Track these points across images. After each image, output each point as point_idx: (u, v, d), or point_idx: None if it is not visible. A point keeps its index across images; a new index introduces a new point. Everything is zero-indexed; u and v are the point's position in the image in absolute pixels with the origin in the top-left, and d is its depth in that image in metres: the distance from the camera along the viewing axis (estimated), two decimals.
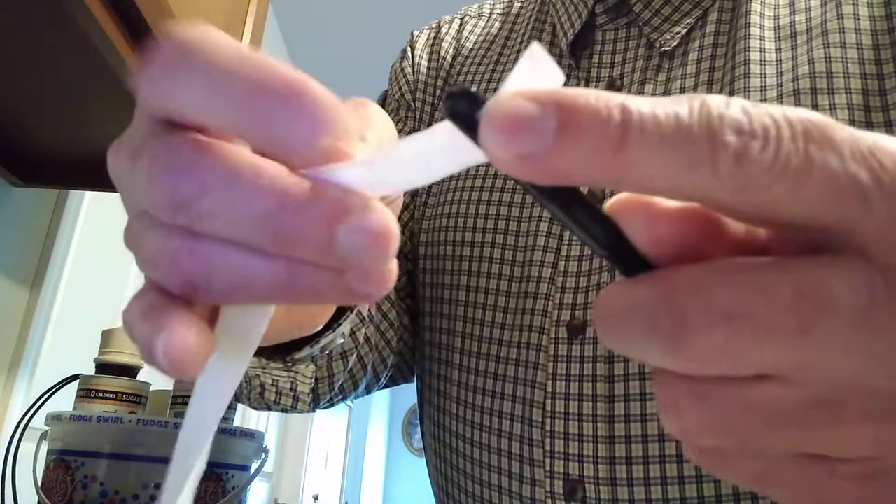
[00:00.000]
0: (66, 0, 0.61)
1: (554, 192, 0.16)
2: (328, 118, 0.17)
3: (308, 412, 0.62)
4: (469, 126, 0.15)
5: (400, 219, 0.61)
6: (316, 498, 3.73)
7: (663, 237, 0.17)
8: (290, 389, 0.52)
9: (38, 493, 0.72)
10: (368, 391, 0.66)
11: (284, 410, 0.61)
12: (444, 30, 0.67)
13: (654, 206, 0.17)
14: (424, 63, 0.65)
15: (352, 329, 0.49)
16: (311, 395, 0.61)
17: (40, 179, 1.03)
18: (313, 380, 0.54)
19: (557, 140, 0.14)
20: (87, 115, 0.86)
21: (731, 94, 0.47)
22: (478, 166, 0.56)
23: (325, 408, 0.65)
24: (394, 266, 0.18)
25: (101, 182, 1.02)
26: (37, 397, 0.82)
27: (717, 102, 0.15)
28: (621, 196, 0.17)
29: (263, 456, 0.77)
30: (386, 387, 0.67)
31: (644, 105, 0.15)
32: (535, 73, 0.15)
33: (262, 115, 0.17)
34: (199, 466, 0.20)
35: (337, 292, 0.18)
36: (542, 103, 0.14)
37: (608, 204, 0.17)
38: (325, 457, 4.15)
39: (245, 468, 0.76)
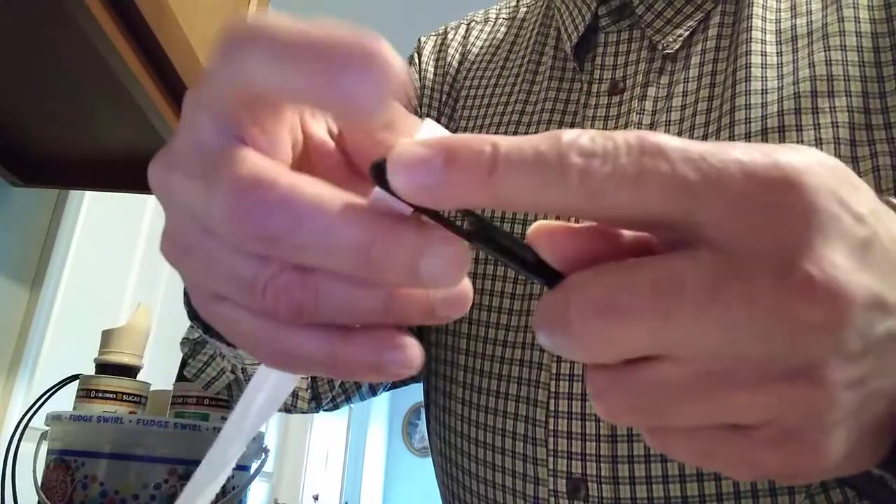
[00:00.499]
0: (66, 0, 0.61)
1: (481, 234, 0.20)
2: (393, 78, 0.19)
3: (312, 412, 0.62)
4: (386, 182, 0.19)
5: None
6: (316, 498, 3.73)
7: (567, 252, 0.20)
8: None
9: (38, 493, 0.72)
10: (374, 392, 0.66)
11: (287, 411, 0.61)
12: (450, 36, 0.68)
13: (557, 230, 0.21)
14: (431, 70, 0.66)
15: None
16: (310, 392, 0.61)
17: (40, 179, 1.03)
18: (309, 376, 0.54)
19: (444, 173, 0.18)
20: (87, 115, 0.86)
21: (733, 97, 0.47)
22: None
23: (330, 409, 0.65)
24: (469, 291, 0.22)
25: (101, 182, 1.02)
26: (37, 397, 0.82)
27: (569, 134, 0.19)
28: (534, 225, 0.21)
29: (263, 456, 0.77)
30: (393, 387, 0.67)
31: (511, 141, 0.19)
32: (432, 134, 0.20)
33: (332, 77, 0.18)
34: (236, 455, 0.24)
35: (423, 315, 0.22)
36: (431, 147, 0.19)
37: (527, 232, 0.21)
38: (325, 457, 4.15)
39: (245, 468, 0.76)
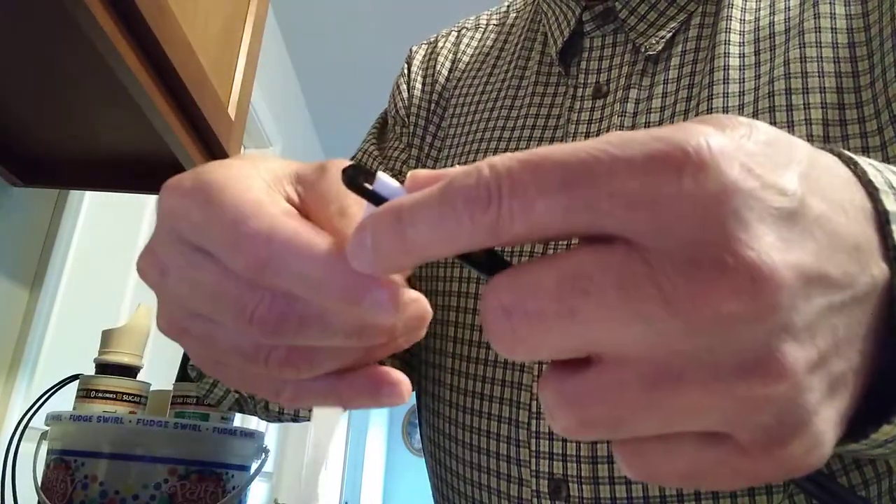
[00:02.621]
0: (66, 0, 0.61)
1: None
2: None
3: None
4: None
5: None
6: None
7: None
8: None
9: (38, 493, 0.72)
10: None
11: (294, 420, 0.61)
12: (440, 44, 0.68)
13: None
14: (420, 80, 0.67)
15: None
16: None
17: (40, 179, 1.03)
18: None
19: (373, 251, 0.21)
20: (87, 115, 0.86)
21: (709, 98, 0.48)
22: None
23: None
24: (425, 312, 0.25)
25: (101, 182, 1.02)
26: (37, 397, 0.82)
27: (458, 181, 0.19)
28: None
29: (263, 456, 0.77)
30: None
31: (413, 200, 0.20)
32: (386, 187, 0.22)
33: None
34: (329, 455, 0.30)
35: (392, 350, 0.27)
36: (358, 233, 0.21)
37: None
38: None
39: (245, 468, 0.76)
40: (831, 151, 0.23)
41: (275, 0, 2.43)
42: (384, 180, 0.22)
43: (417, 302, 0.24)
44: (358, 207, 0.25)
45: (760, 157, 0.18)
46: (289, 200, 0.26)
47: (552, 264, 0.19)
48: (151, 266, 0.27)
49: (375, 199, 0.22)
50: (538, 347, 0.19)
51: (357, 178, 0.22)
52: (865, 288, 0.20)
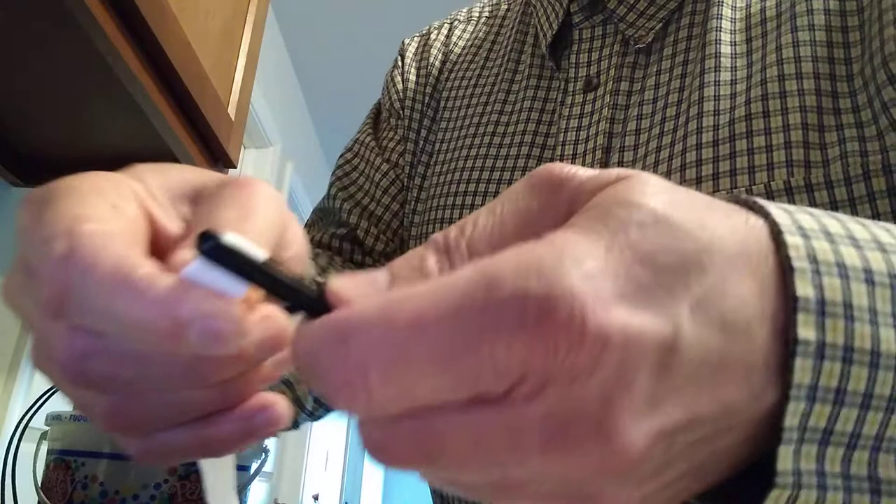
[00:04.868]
0: (66, 0, 0.61)
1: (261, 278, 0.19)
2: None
3: (319, 417, 0.62)
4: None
5: (389, 227, 0.63)
6: (316, 498, 3.73)
7: None
8: (292, 399, 0.53)
9: (38, 493, 0.72)
10: None
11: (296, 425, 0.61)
12: (433, 36, 0.68)
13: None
14: (413, 72, 0.66)
15: None
16: (311, 393, 0.61)
17: (40, 179, 1.02)
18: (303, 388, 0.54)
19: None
20: (87, 115, 0.86)
21: (701, 87, 0.47)
22: (462, 172, 0.57)
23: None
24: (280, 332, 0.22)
25: None
26: (37, 397, 0.82)
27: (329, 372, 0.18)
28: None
29: (263, 456, 0.77)
30: None
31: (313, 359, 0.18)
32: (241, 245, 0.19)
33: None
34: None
35: (262, 380, 0.24)
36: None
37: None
38: (325, 457, 4.14)
39: (245, 468, 0.76)
40: (767, 216, 0.20)
41: (275, 0, 2.43)
42: (244, 248, 0.19)
43: (268, 319, 0.21)
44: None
45: (639, 297, 0.17)
46: (184, 219, 0.25)
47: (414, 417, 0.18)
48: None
49: (236, 267, 0.19)
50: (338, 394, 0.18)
51: (214, 246, 0.19)
52: (749, 415, 0.19)
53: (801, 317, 0.18)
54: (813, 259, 0.19)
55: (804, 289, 0.19)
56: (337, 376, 0.17)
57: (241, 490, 0.74)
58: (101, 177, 0.24)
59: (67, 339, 0.21)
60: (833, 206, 0.40)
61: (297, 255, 0.29)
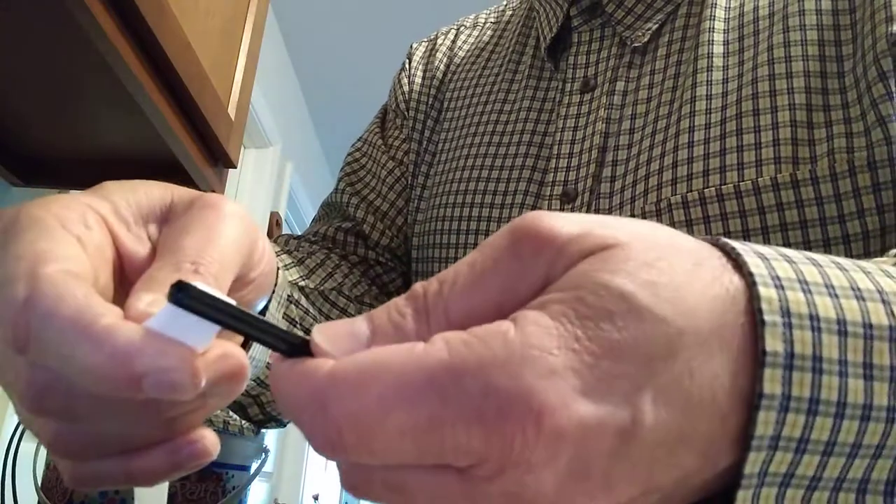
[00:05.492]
0: (66, 0, 0.61)
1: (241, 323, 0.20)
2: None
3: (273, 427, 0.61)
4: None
5: (394, 223, 0.64)
6: (316, 498, 3.73)
7: None
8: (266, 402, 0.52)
9: (38, 493, 0.72)
10: None
11: (283, 424, 0.60)
12: (439, 41, 0.70)
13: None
14: (419, 75, 0.68)
15: None
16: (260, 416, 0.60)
17: (40, 179, 1.03)
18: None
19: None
20: (87, 115, 0.86)
21: (693, 86, 0.48)
22: (462, 171, 0.58)
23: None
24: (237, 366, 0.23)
25: (101, 182, 1.02)
26: None
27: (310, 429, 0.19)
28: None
29: (263, 456, 0.77)
30: None
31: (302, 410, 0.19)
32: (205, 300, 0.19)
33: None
34: None
35: (204, 415, 0.24)
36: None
37: None
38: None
39: (245, 468, 0.76)
40: (741, 270, 0.20)
41: (275, 0, 2.43)
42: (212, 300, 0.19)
43: (224, 359, 0.21)
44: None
45: (601, 390, 0.17)
46: (151, 240, 0.25)
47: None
48: None
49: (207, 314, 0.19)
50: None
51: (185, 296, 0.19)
52: (709, 475, 0.20)
53: (767, 372, 0.19)
54: (785, 312, 0.19)
55: (773, 344, 0.19)
56: (317, 433, 0.18)
57: (242, 490, 0.74)
58: (66, 203, 0.24)
59: (29, 373, 0.21)
60: (819, 202, 0.41)
61: (265, 273, 0.30)
